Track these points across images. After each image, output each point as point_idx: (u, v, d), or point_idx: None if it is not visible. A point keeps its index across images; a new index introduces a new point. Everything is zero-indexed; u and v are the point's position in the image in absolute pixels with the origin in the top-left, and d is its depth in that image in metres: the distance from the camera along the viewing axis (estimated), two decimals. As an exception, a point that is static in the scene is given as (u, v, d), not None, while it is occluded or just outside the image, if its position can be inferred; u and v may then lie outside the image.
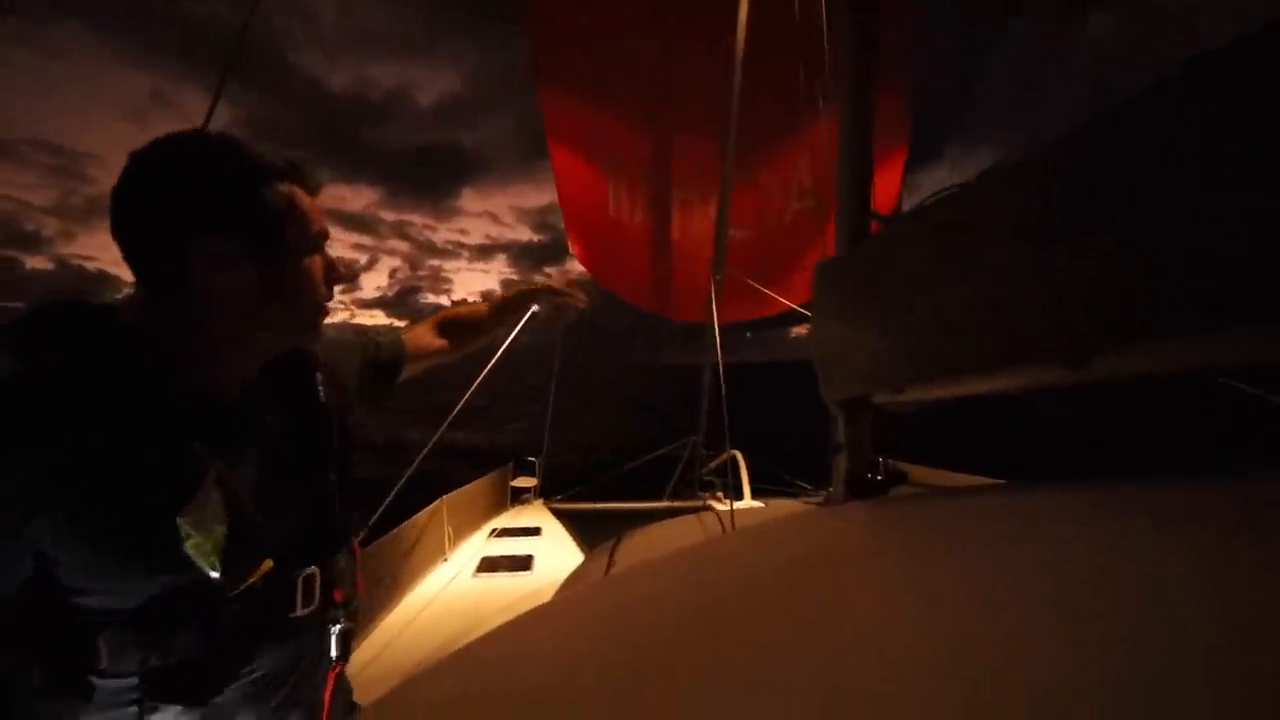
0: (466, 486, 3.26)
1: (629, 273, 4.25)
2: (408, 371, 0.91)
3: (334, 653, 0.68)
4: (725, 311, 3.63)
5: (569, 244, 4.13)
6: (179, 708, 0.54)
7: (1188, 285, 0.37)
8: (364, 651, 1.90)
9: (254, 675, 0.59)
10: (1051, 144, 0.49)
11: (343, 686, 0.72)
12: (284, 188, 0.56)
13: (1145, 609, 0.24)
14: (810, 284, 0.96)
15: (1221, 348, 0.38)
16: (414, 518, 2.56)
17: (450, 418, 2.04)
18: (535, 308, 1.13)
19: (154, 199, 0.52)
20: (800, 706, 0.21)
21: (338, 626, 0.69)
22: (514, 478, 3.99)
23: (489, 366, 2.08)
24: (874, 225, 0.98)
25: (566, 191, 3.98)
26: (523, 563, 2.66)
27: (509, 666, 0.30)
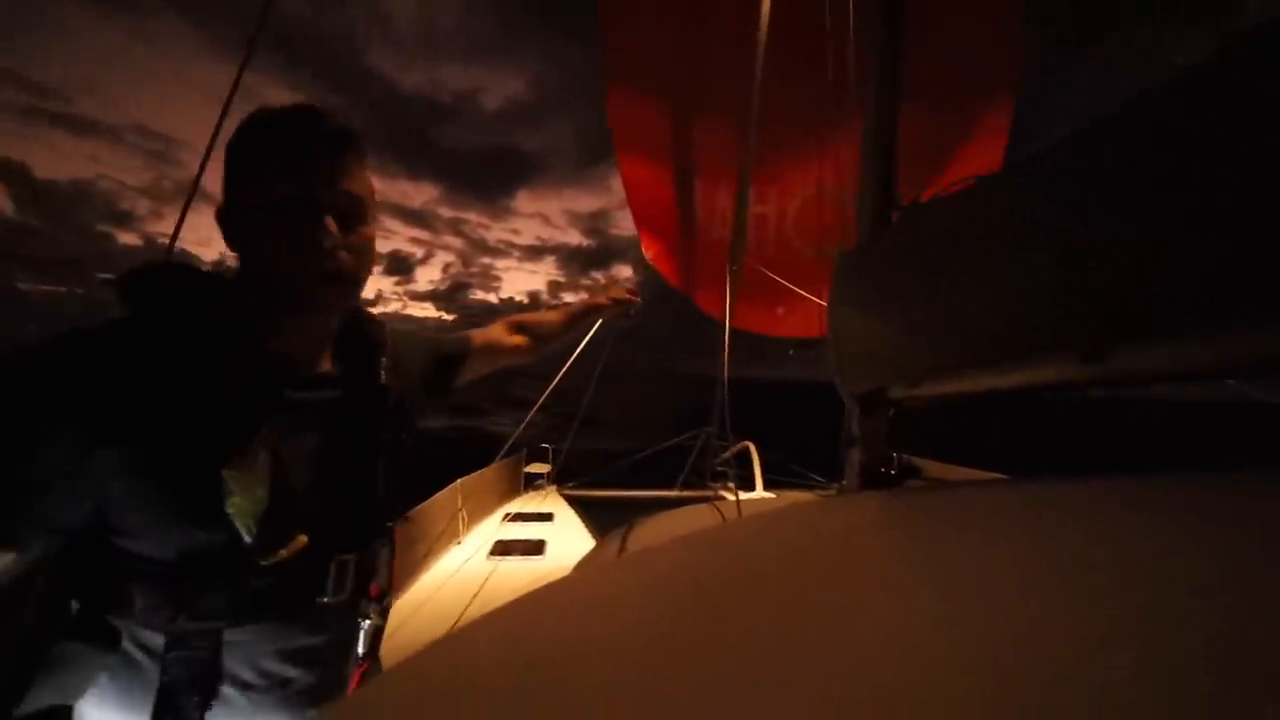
0: (481, 471, 3.31)
1: (705, 280, 4.13)
2: (474, 369, 0.92)
3: (361, 649, 0.67)
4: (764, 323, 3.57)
5: (640, 240, 4.06)
6: (196, 675, 0.53)
7: (1200, 285, 0.36)
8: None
9: (269, 655, 0.58)
10: (1074, 137, 0.48)
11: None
12: (328, 157, 0.56)
13: (1156, 601, 0.24)
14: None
15: (1231, 348, 0.37)
16: (430, 500, 2.62)
17: (536, 405, 2.18)
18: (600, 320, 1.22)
19: (228, 160, 0.56)
20: (809, 690, 0.22)
21: (368, 622, 0.67)
22: (528, 464, 4.04)
23: (564, 369, 2.23)
24: (894, 215, 0.96)
25: (639, 200, 3.89)
26: (535, 547, 2.70)
27: (519, 640, 0.31)
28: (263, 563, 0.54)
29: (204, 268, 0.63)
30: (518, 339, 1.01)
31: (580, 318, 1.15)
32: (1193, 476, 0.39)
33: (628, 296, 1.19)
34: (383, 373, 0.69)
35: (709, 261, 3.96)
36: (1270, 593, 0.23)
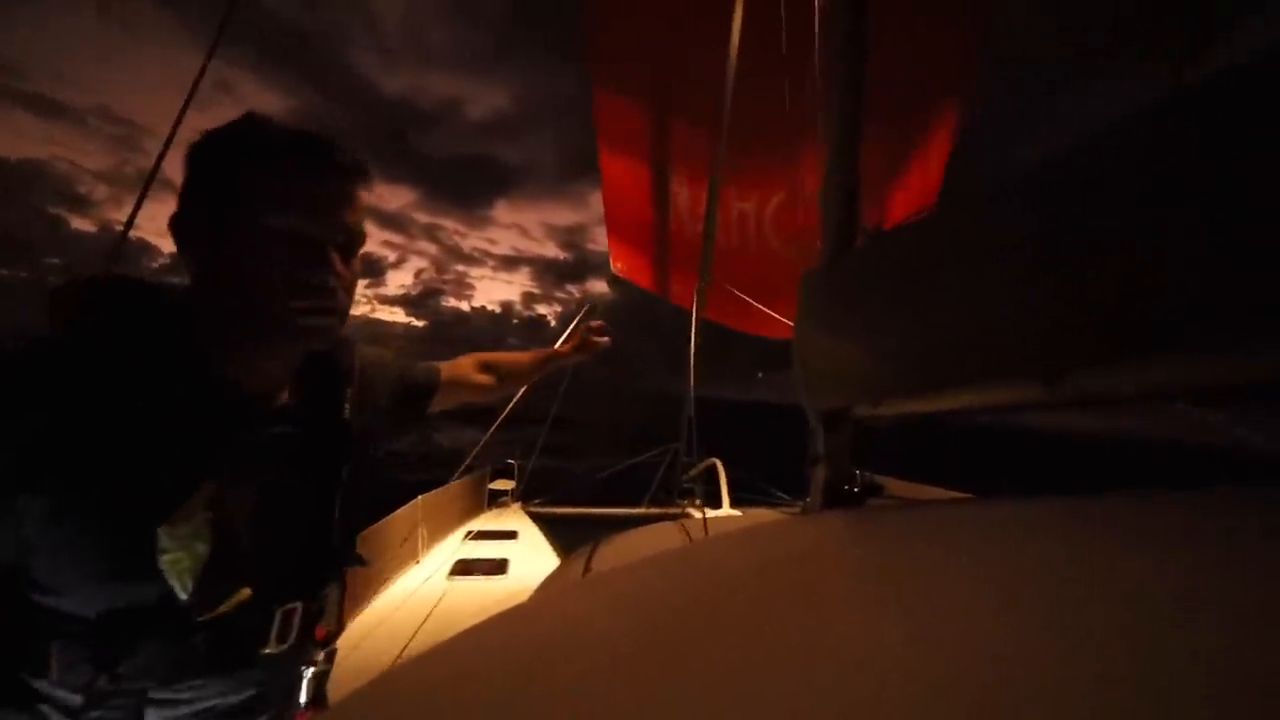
0: (443, 487, 3.21)
1: (677, 275, 4.15)
2: (441, 401, 0.90)
3: (303, 698, 0.62)
4: (728, 315, 3.62)
5: (610, 252, 4.06)
6: None
7: (1153, 311, 0.38)
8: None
9: (209, 713, 0.54)
10: (1036, 168, 0.49)
11: None
12: (337, 188, 0.55)
13: (1117, 616, 0.24)
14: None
15: (1181, 371, 0.38)
16: (387, 518, 2.52)
17: (490, 432, 2.16)
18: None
19: (222, 172, 0.51)
20: (777, 710, 0.21)
21: (311, 670, 0.63)
22: (492, 480, 3.95)
23: (518, 394, 2.20)
24: (858, 239, 0.98)
25: (615, 202, 3.91)
26: (498, 566, 2.62)
27: (480, 667, 0.30)
28: (200, 619, 0.50)
29: (149, 279, 0.57)
30: (484, 378, 1.00)
31: (549, 363, 1.14)
32: (1142, 496, 0.40)
33: (596, 341, 1.19)
34: (346, 407, 0.65)
35: (684, 256, 4.01)
36: (1232, 604, 0.24)
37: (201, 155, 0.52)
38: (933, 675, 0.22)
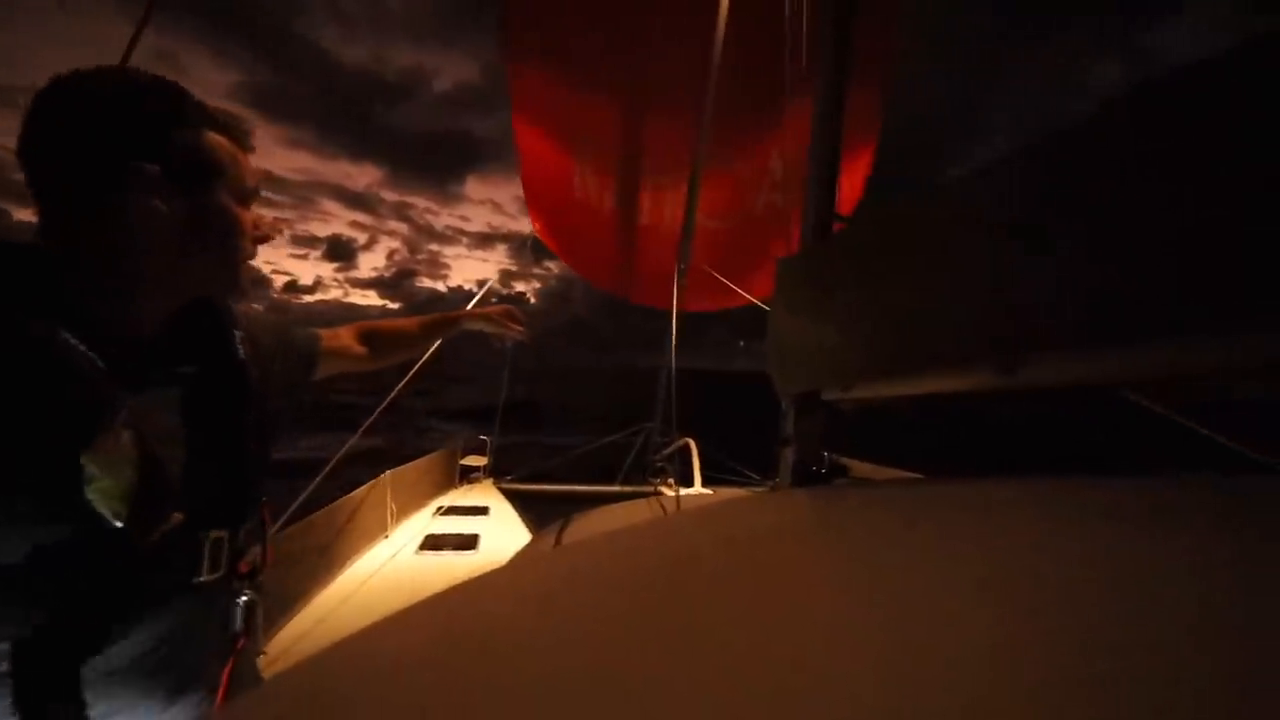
0: (412, 462, 3.18)
1: (591, 253, 4.22)
2: (321, 370, 0.89)
3: (237, 626, 0.65)
4: (690, 301, 3.66)
5: (530, 218, 4.06)
6: (53, 672, 0.49)
7: (1102, 303, 0.40)
8: (293, 628, 1.83)
9: (149, 642, 0.54)
10: (998, 165, 0.51)
11: (246, 664, 0.68)
12: (222, 136, 0.57)
13: (1068, 588, 0.26)
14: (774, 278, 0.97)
15: (1128, 362, 0.41)
16: (354, 492, 2.48)
17: (365, 425, 2.15)
18: (475, 327, 1.16)
19: (94, 123, 0.50)
20: (737, 675, 0.22)
21: (242, 599, 0.65)
22: (464, 456, 3.93)
23: (405, 380, 2.13)
24: (836, 225, 1.00)
25: (531, 169, 3.90)
26: (468, 542, 2.62)
27: (442, 634, 0.30)
28: (134, 545, 0.50)
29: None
30: (362, 349, 0.98)
31: (441, 327, 1.11)
32: (1084, 480, 0.43)
33: (505, 319, 1.16)
34: (240, 347, 0.66)
35: (594, 235, 4.08)
36: (1165, 587, 0.25)
37: (97, 103, 0.51)
38: (893, 643, 0.23)
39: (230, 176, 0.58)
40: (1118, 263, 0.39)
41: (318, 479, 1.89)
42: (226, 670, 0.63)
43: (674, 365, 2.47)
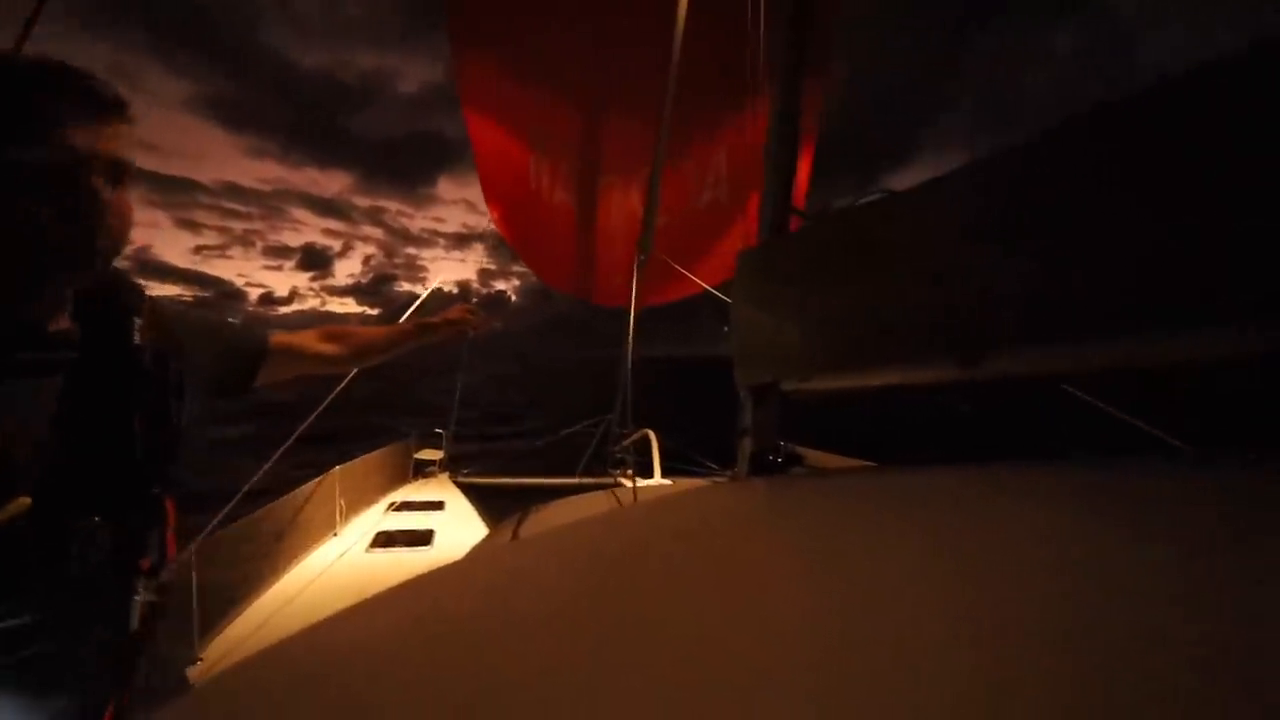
0: (363, 457, 3.06)
1: (550, 255, 4.16)
2: (273, 371, 0.86)
3: (133, 626, 0.61)
4: (646, 294, 3.67)
5: (489, 210, 3.97)
6: None
7: (1051, 303, 0.42)
8: (232, 631, 1.74)
9: (4, 629, 0.52)
10: (960, 171, 0.53)
11: (156, 670, 0.65)
12: (92, 118, 0.55)
13: (1003, 572, 0.27)
14: (722, 269, 0.98)
15: (1077, 357, 0.44)
16: (299, 489, 2.37)
17: (302, 428, 2.05)
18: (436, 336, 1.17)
19: None
20: (693, 657, 0.22)
21: (137, 599, 0.62)
22: (418, 450, 3.81)
23: (342, 385, 2.07)
24: (794, 220, 1.02)
25: (486, 162, 3.80)
26: (422, 538, 2.55)
27: (394, 629, 0.29)
28: None
29: None
30: (327, 348, 0.96)
31: (409, 337, 1.11)
32: (1026, 467, 0.45)
33: (465, 317, 1.18)
34: (136, 334, 0.64)
35: (551, 230, 4.04)
36: (1107, 562, 0.27)
37: None
38: (845, 627, 0.24)
39: (95, 161, 0.56)
40: (1066, 266, 0.41)
41: (263, 469, 1.80)
42: (126, 674, 0.61)
43: (630, 359, 2.47)
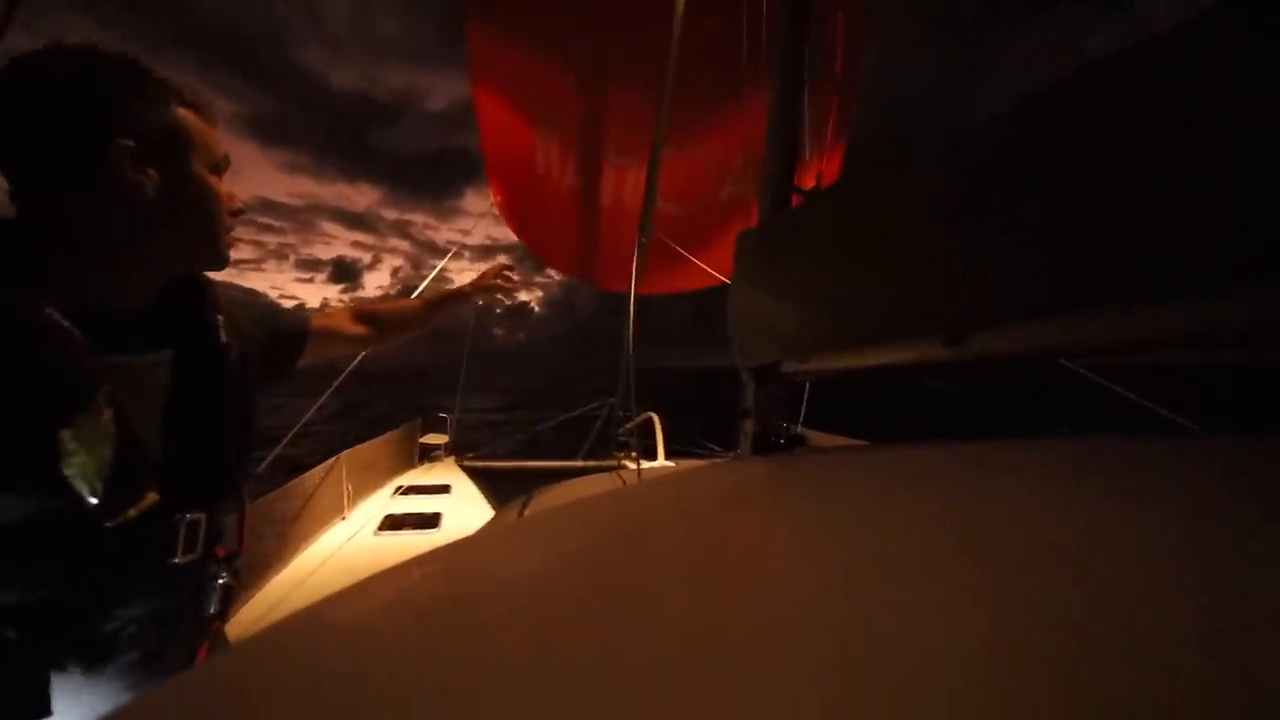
0: (368, 442, 3.09)
1: (551, 232, 4.12)
2: (312, 354, 0.87)
3: (214, 609, 0.65)
4: (651, 282, 3.66)
5: (491, 194, 3.93)
6: (26, 648, 0.48)
7: (1038, 277, 0.42)
8: (248, 612, 1.78)
9: (119, 624, 0.54)
10: (949, 144, 0.53)
11: (221, 647, 0.68)
12: (188, 109, 0.58)
13: (1007, 548, 0.27)
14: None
15: (1065, 333, 0.44)
16: (307, 473, 2.40)
17: (322, 399, 2.13)
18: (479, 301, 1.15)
19: (64, 101, 0.51)
20: (694, 632, 0.23)
21: (219, 581, 0.65)
22: (423, 434, 3.84)
23: (357, 360, 2.09)
24: (797, 201, 1.01)
25: (492, 143, 3.74)
26: (429, 520, 2.58)
27: (401, 602, 0.30)
28: (108, 524, 0.50)
29: None
30: (359, 328, 0.97)
31: (443, 305, 1.10)
32: (1028, 442, 0.45)
33: (500, 281, 1.16)
34: (221, 330, 0.65)
35: (556, 214, 4.00)
36: (1109, 533, 0.27)
37: (49, 84, 0.51)
38: (850, 607, 0.24)
39: (201, 148, 0.58)
40: (1055, 238, 0.41)
41: (275, 450, 1.83)
42: (203, 652, 0.64)
43: (631, 342, 2.48)
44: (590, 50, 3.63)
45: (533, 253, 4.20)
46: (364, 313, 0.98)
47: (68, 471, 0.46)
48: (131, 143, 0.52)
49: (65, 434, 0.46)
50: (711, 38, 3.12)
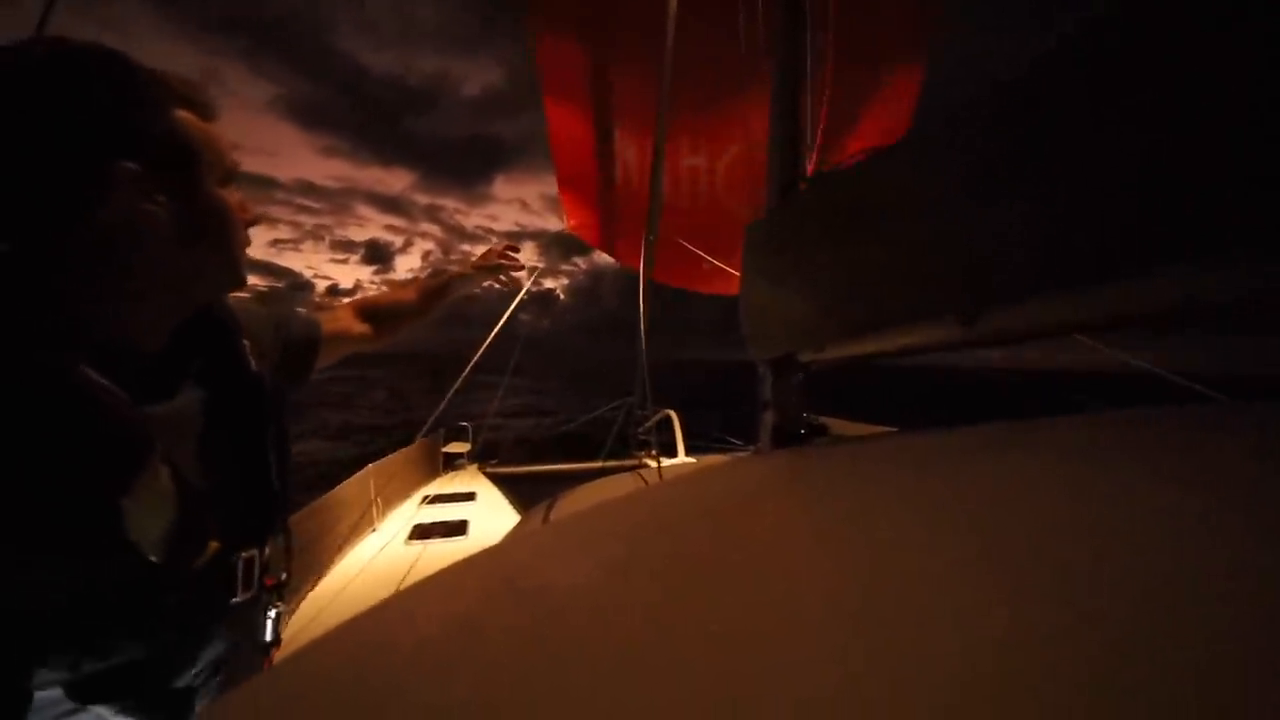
0: (393, 454, 3.14)
1: (626, 232, 4.07)
2: (324, 358, 0.84)
3: (268, 638, 0.65)
4: (689, 278, 3.65)
5: (563, 209, 3.92)
6: (110, 709, 0.48)
7: (1051, 249, 0.41)
8: (289, 626, 1.82)
9: (196, 670, 0.54)
10: (950, 120, 0.52)
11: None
12: (186, 113, 0.50)
13: (1034, 533, 0.27)
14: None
15: (1078, 308, 0.43)
16: (337, 488, 2.45)
17: (464, 375, 2.27)
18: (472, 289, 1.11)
19: (49, 120, 0.42)
20: (725, 625, 0.23)
21: (273, 611, 0.65)
22: (446, 444, 3.90)
23: (495, 331, 2.13)
24: (802, 186, 1.00)
25: (562, 150, 3.74)
26: (457, 528, 2.62)
27: (441, 610, 0.30)
28: (169, 582, 0.49)
29: None
30: (365, 326, 0.93)
31: (446, 290, 1.06)
32: (1042, 421, 0.45)
33: (500, 260, 1.11)
34: (251, 359, 0.62)
35: (630, 216, 3.96)
36: (1129, 514, 0.27)
37: (52, 99, 0.42)
38: (873, 588, 0.24)
39: (209, 159, 0.52)
40: (1066, 209, 0.40)
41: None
42: None
43: (645, 336, 2.48)
44: (652, 48, 3.62)
45: (613, 257, 4.17)
46: (368, 309, 0.95)
47: (133, 537, 0.44)
48: (134, 165, 0.45)
49: (128, 502, 0.43)
50: (748, 37, 3.11)
